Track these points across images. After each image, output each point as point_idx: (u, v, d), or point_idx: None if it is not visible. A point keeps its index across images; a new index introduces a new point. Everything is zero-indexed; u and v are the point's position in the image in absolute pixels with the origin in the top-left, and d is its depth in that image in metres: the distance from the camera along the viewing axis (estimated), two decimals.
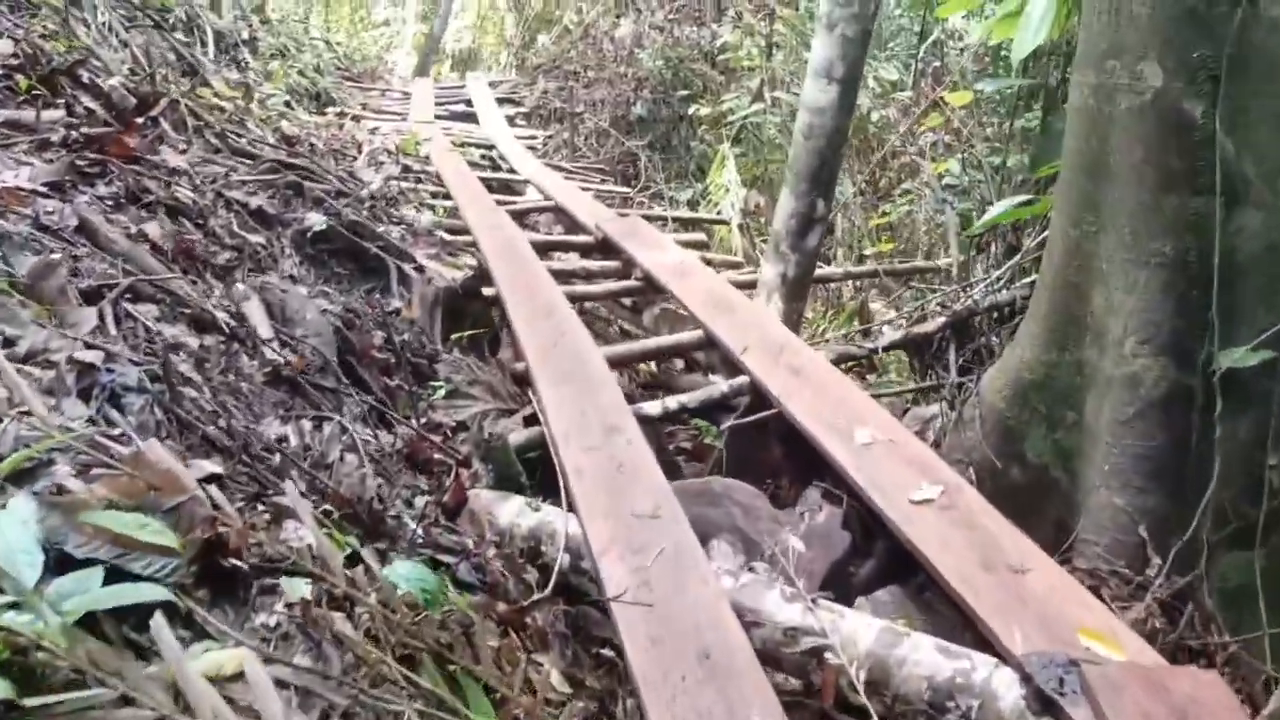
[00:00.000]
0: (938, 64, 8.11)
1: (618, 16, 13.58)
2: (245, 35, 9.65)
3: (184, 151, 3.57)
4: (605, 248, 4.98)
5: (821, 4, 4.39)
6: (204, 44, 8.99)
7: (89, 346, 1.82)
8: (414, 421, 2.71)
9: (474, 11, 19.60)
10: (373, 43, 20.76)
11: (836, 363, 3.69)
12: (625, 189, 10.71)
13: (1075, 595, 1.99)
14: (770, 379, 3.01)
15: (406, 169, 6.63)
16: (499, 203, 6.16)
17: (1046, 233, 3.22)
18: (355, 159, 6.46)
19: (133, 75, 4.36)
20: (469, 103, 10.69)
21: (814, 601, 1.96)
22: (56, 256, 2.14)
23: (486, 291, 3.83)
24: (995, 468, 2.83)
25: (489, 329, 3.71)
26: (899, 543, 2.24)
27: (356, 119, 7.85)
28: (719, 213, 7.47)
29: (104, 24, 4.79)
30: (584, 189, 7.48)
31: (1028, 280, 4.02)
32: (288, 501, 1.60)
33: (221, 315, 2.41)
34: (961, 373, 3.82)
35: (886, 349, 4.31)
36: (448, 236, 4.12)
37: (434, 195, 6.22)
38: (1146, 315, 2.51)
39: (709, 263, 5.15)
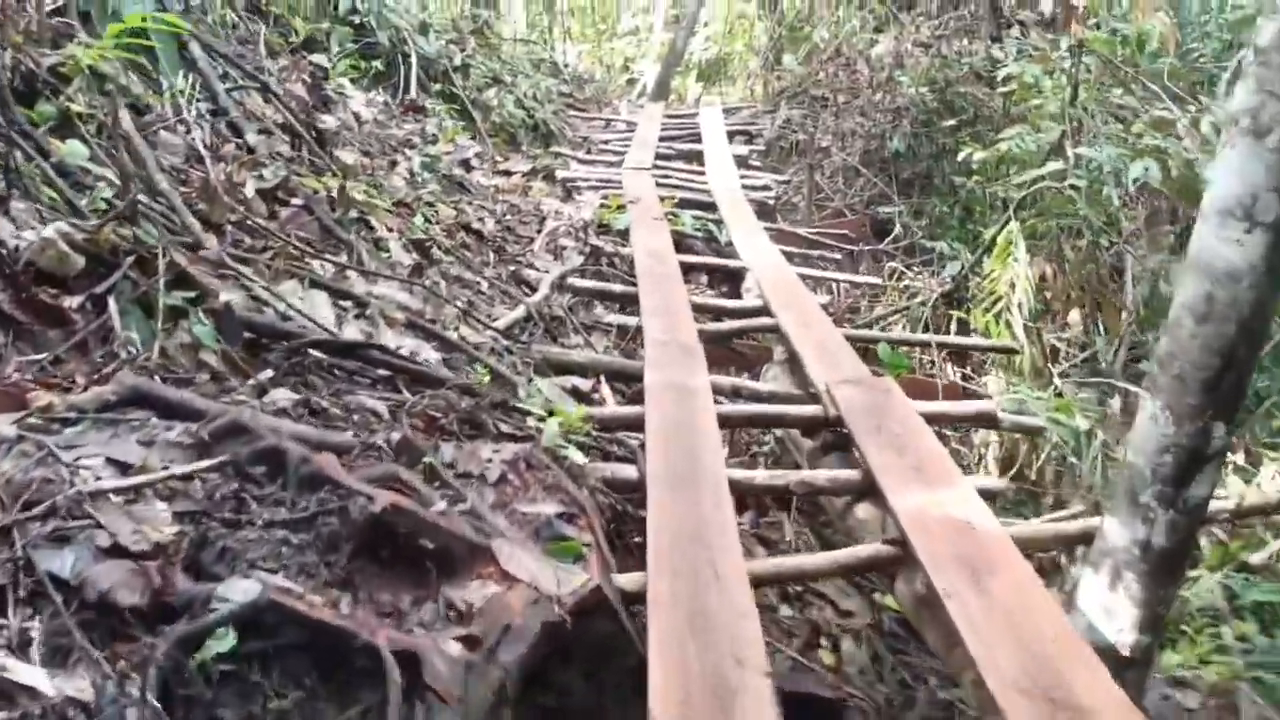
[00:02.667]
0: None
1: (876, 31, 11.44)
2: (457, 61, 8.61)
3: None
4: (838, 441, 3.19)
5: (1239, 96, 2.34)
6: (407, 75, 8.02)
7: None
8: None
9: (722, 20, 18.00)
10: (618, 53, 19.76)
11: None
12: (874, 245, 8.75)
13: None
14: None
15: (595, 254, 5.12)
16: (699, 309, 4.50)
17: None
18: (535, 238, 5.04)
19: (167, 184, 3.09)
20: (698, 138, 9.09)
21: None
22: None
23: (626, 584, 2.19)
24: None
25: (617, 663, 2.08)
26: None
27: (549, 178, 6.43)
28: (998, 316, 5.37)
29: (188, 89, 3.58)
30: (820, 279, 5.66)
31: None
32: None
33: None
34: None
35: None
36: (578, 461, 2.50)
37: (618, 302, 4.67)
38: None
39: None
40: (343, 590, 1.78)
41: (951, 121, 9.77)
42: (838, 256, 6.35)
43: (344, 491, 1.88)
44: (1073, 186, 5.99)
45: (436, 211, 4.49)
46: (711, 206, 6.86)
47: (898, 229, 9.27)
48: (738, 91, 17.70)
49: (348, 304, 3.07)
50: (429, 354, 3.06)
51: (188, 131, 3.51)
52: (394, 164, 4.82)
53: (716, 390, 3.60)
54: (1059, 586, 3.01)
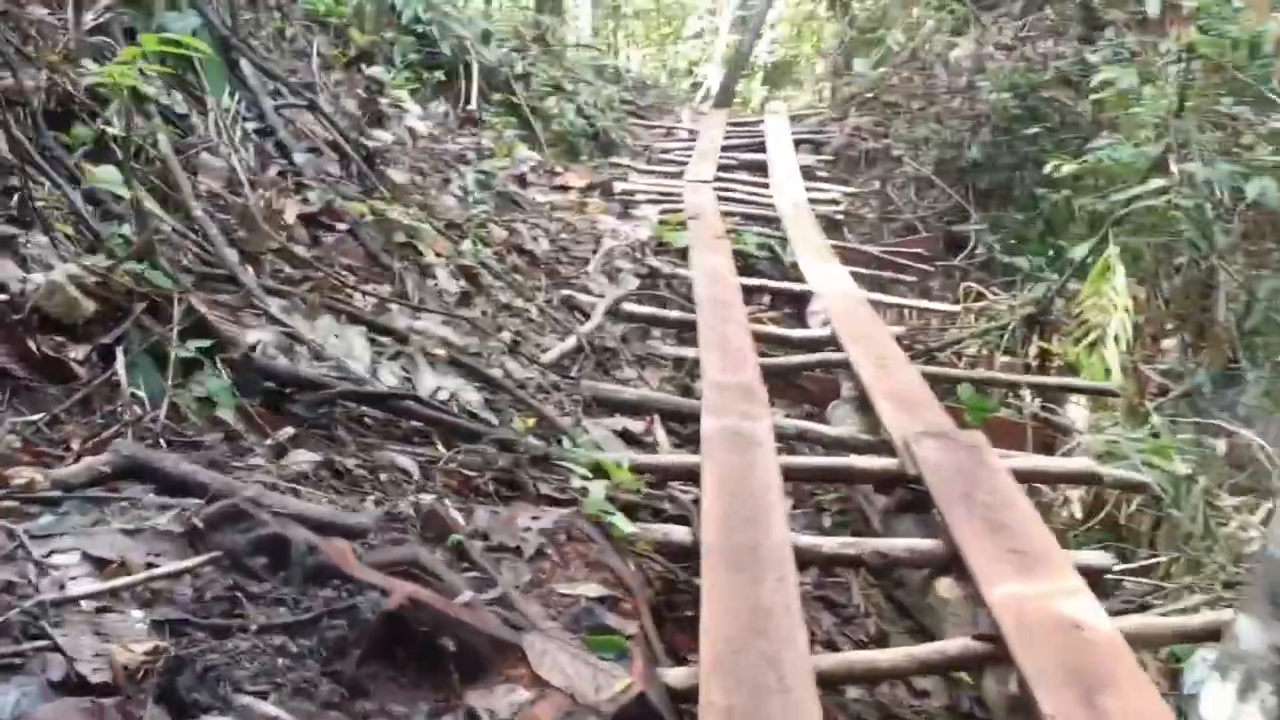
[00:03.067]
0: None
1: (954, 33, 10.93)
2: (519, 69, 8.43)
3: None
4: (916, 500, 2.86)
5: None
6: (468, 85, 7.86)
7: None
8: None
9: (789, 22, 17.57)
10: (682, 57, 19.48)
11: None
12: (948, 261, 8.30)
13: None
14: None
15: (653, 275, 4.85)
16: (761, 338, 4.20)
17: None
18: (590, 258, 4.80)
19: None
20: (762, 147, 8.75)
21: None
22: None
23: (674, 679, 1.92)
24: None
25: None
26: None
27: (607, 192, 6.16)
28: (1091, 347, 4.93)
29: (234, 107, 3.41)
30: (894, 308, 5.31)
31: None
32: None
33: None
34: None
35: None
36: (625, 530, 2.22)
37: (675, 329, 4.40)
38: None
39: None
40: (349, 703, 1.55)
41: (1035, 129, 9.25)
42: (911, 278, 5.96)
43: (354, 586, 1.64)
44: (1176, 206, 5.50)
45: (488, 232, 4.28)
46: (776, 222, 6.54)
47: (974, 243, 8.81)
48: (804, 96, 17.27)
49: (386, 340, 2.86)
50: (470, 395, 2.84)
51: (233, 152, 3.35)
52: (447, 181, 4.62)
53: (780, 434, 3.30)
54: (1172, 685, 2.63)
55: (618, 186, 7.01)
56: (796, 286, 5.06)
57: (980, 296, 7.18)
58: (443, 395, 2.73)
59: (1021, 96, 9.35)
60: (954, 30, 11.05)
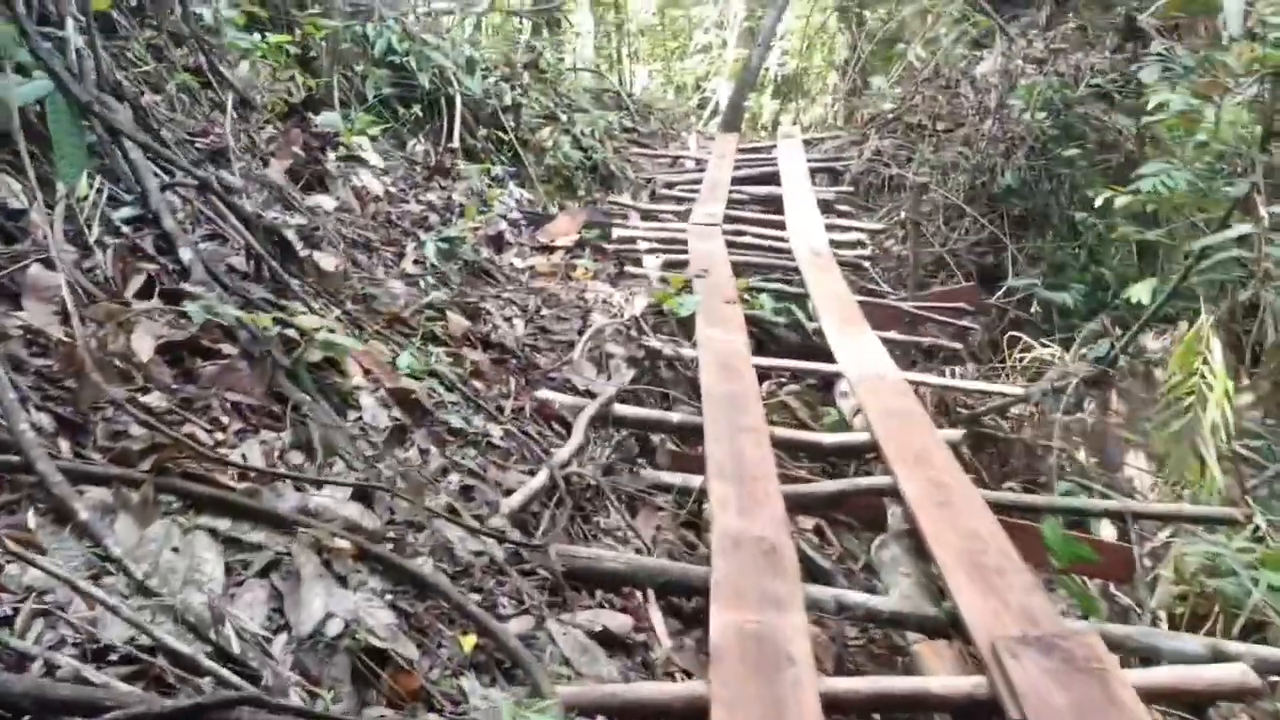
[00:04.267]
0: None
1: (976, 46, 9.99)
2: (507, 100, 7.58)
3: None
4: None
5: None
6: (450, 119, 7.03)
7: None
8: None
9: (798, 34, 16.66)
10: (689, 73, 18.62)
11: None
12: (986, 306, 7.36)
13: None
14: None
15: (651, 358, 3.98)
16: (783, 445, 3.33)
17: None
18: (576, 339, 3.93)
19: None
20: (776, 179, 7.87)
21: None
22: None
23: None
24: None
25: None
26: None
27: (600, 249, 5.27)
28: (1181, 440, 3.99)
29: (90, 195, 2.56)
30: (940, 386, 4.43)
31: None
32: None
33: None
34: None
35: None
36: None
37: (677, 434, 3.52)
38: None
39: None
40: None
41: (1073, 150, 8.32)
42: (956, 347, 5.06)
43: None
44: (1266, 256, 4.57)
45: (445, 324, 3.41)
46: (794, 272, 5.65)
47: (1012, 277, 7.88)
48: (816, 109, 16.38)
49: (259, 538, 2.00)
50: (378, 616, 1.97)
51: (82, 258, 2.51)
52: (400, 255, 3.77)
53: (812, 603, 2.44)
54: None
55: (615, 233, 6.16)
56: (825, 367, 4.17)
57: (1028, 348, 6.28)
58: (334, 628, 1.86)
59: (1056, 114, 8.44)
60: (976, 43, 10.13)
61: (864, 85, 10.96)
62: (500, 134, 7.33)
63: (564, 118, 7.89)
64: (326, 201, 3.83)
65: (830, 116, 14.44)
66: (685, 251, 5.74)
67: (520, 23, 10.33)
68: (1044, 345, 6.25)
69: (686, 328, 4.48)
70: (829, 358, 4.43)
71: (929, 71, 9.51)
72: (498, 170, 7.37)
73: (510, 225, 5.03)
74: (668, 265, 5.45)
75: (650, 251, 5.86)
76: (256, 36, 4.50)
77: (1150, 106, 6.31)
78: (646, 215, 7.06)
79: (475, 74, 7.21)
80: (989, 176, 8.11)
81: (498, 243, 4.53)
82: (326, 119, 4.74)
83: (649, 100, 12.22)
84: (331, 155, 4.20)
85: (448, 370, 3.08)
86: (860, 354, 4.20)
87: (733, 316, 4.51)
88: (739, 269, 5.43)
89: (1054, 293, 7.84)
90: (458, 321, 3.47)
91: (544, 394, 3.47)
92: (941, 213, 8.21)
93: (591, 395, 3.59)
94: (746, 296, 4.83)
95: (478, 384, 3.23)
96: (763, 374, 4.17)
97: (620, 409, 3.49)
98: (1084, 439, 5.40)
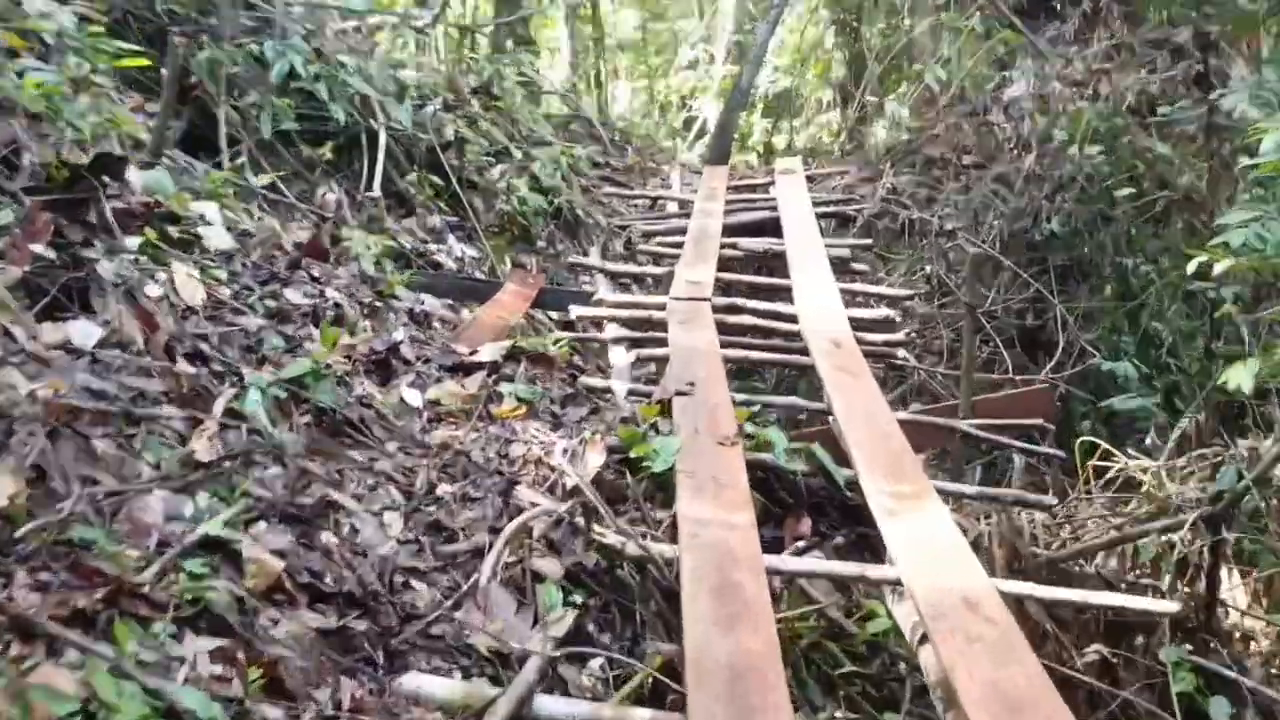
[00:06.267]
0: None
1: (1001, 67, 8.54)
2: (449, 134, 6.10)
3: None
4: None
5: None
6: (372, 161, 5.55)
7: None
8: None
9: (791, 51, 15.23)
10: (674, 90, 17.17)
11: None
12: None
13: None
14: None
15: (609, 558, 2.49)
16: None
17: None
18: (488, 543, 2.43)
19: None
20: (775, 226, 6.40)
21: None
22: None
23: None
24: None
25: None
26: None
27: (538, 364, 3.71)
28: None
29: None
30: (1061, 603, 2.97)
31: None
32: None
33: None
34: None
35: None
36: None
37: None
38: None
39: None
40: None
41: (1127, 190, 6.90)
42: (1047, 503, 3.59)
43: None
44: None
45: (254, 567, 1.92)
46: (807, 374, 4.18)
47: (1062, 344, 6.43)
48: (810, 129, 15.04)
49: None
50: None
51: None
52: (197, 422, 2.28)
53: None
54: None
55: (575, 310, 4.68)
56: (872, 570, 2.67)
57: (1107, 455, 4.82)
58: None
59: (1104, 143, 7.02)
60: (1000, 64, 8.68)
61: (866, 109, 9.50)
62: (432, 179, 5.85)
63: (519, 154, 6.40)
64: (83, 332, 2.34)
65: (830, 142, 13.02)
66: (664, 337, 4.28)
67: (473, 40, 8.79)
68: (1131, 456, 4.79)
69: (663, 490, 3.00)
70: (867, 518, 2.98)
71: (950, 95, 8.07)
72: (434, 221, 5.90)
73: (417, 323, 3.53)
74: (640, 365, 3.98)
75: (618, 340, 4.38)
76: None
77: (1265, 146, 4.86)
78: (618, 278, 5.59)
79: (407, 103, 5.71)
80: (1031, 222, 6.68)
81: (386, 367, 3.03)
82: (149, 180, 3.23)
83: (627, 128, 10.71)
84: (96, 248, 2.66)
85: (210, 708, 1.57)
86: (926, 547, 2.72)
87: (729, 467, 3.02)
88: (735, 372, 3.94)
89: (1115, 362, 6.42)
90: (269, 564, 1.97)
91: (412, 682, 1.98)
92: (976, 268, 6.75)
93: (502, 663, 2.12)
94: (750, 429, 3.34)
95: (281, 701, 1.73)
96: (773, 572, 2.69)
97: (547, 707, 2.00)
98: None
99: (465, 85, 6.68)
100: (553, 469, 2.76)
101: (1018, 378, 5.27)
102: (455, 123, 6.14)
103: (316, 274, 3.32)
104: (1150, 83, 7.78)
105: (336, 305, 3.14)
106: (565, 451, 2.85)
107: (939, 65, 8.22)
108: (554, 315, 5.25)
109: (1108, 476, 4.65)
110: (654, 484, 3.02)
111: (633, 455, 3.06)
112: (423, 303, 3.80)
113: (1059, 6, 9.48)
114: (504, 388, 3.16)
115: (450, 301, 4.57)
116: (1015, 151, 7.02)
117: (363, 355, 2.96)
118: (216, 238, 3.28)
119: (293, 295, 3.10)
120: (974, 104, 7.76)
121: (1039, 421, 3.98)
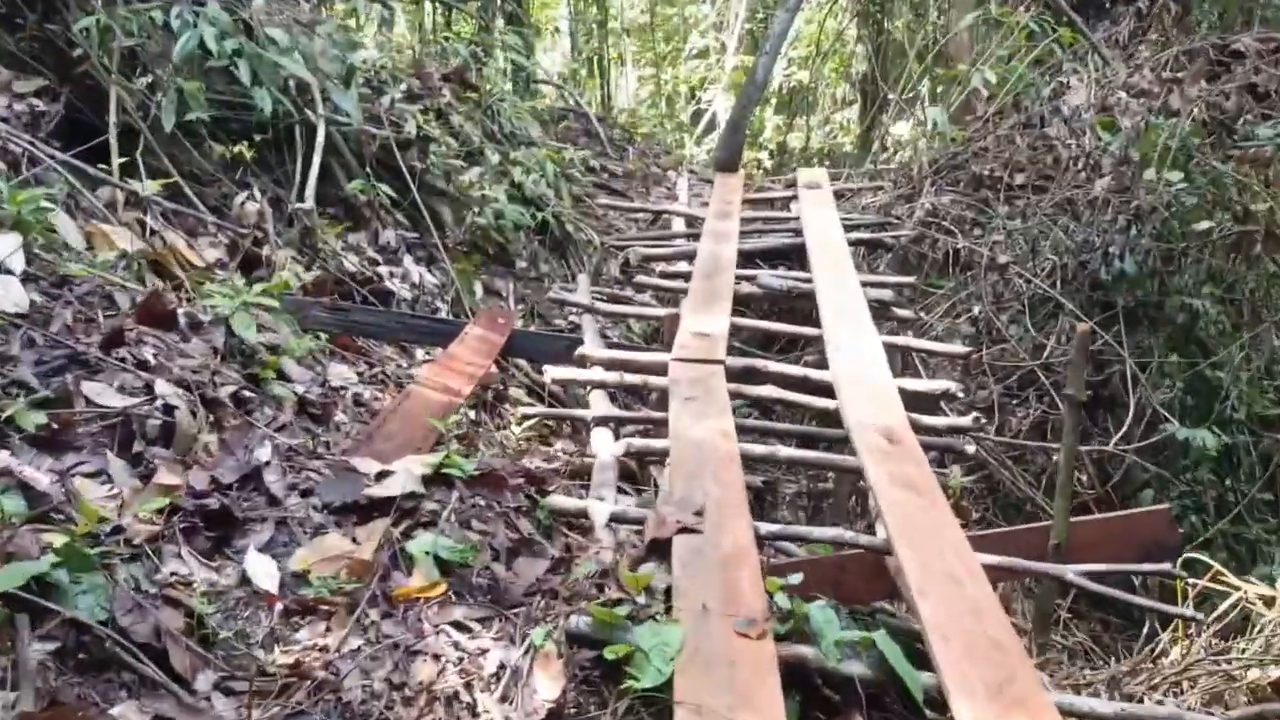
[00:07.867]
0: None
1: (1050, 72, 7.36)
2: (412, 130, 4.96)
3: None
4: None
5: None
6: (307, 163, 4.42)
7: None
8: None
9: (807, 42, 14.03)
10: (681, 81, 15.97)
11: None
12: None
13: None
14: None
15: None
16: None
17: None
18: None
19: None
20: (801, 255, 5.28)
21: None
22: None
23: None
24: None
25: None
26: None
27: (491, 487, 2.57)
28: None
29: None
30: None
31: None
32: None
33: None
34: None
35: None
36: None
37: None
38: None
39: None
40: None
41: (1205, 223, 5.79)
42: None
43: None
44: None
45: None
46: (855, 475, 3.08)
47: (1132, 408, 5.33)
48: (825, 129, 13.94)
49: None
50: None
51: None
52: None
53: None
54: None
55: (550, 374, 3.57)
56: None
57: (1218, 576, 3.73)
58: None
59: (1187, 173, 5.88)
60: (1046, 67, 7.50)
61: (898, 107, 8.32)
62: (396, 181, 4.73)
63: (495, 159, 5.25)
64: None
65: (847, 142, 11.88)
66: (664, 417, 3.18)
67: (449, 15, 7.54)
68: (1250, 582, 3.70)
69: (663, 715, 1.91)
70: None
71: (1000, 103, 6.92)
72: (388, 237, 4.78)
73: (312, 417, 2.40)
74: (628, 474, 2.88)
75: (602, 422, 3.28)
76: None
77: None
78: (610, 315, 4.48)
79: (353, 89, 4.56)
80: (1101, 257, 5.56)
81: (227, 519, 1.90)
82: None
83: (630, 122, 9.51)
84: None
85: None
86: None
87: (758, 690, 1.93)
88: (756, 484, 2.84)
89: (1195, 429, 5.33)
90: None
91: None
92: (1030, 308, 5.68)
93: None
94: (779, 605, 2.24)
95: None
96: None
97: None
98: None
99: (435, 70, 5.51)
100: (476, 715, 1.66)
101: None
102: (419, 116, 4.99)
103: (150, 351, 2.19)
104: (1226, 95, 6.65)
105: (167, 409, 2.02)
106: (499, 674, 1.75)
107: (987, 67, 7.06)
108: (529, 364, 4.17)
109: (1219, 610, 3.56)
110: (643, 702, 1.94)
111: (609, 656, 1.97)
112: (324, 382, 2.66)
113: (1109, 4, 8.33)
114: (418, 541, 2.05)
115: (389, 353, 3.46)
116: (1083, 173, 5.89)
117: (191, 499, 1.85)
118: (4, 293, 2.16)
119: (97, 392, 1.98)
120: (1029, 114, 6.61)
121: (1165, 566, 2.87)
